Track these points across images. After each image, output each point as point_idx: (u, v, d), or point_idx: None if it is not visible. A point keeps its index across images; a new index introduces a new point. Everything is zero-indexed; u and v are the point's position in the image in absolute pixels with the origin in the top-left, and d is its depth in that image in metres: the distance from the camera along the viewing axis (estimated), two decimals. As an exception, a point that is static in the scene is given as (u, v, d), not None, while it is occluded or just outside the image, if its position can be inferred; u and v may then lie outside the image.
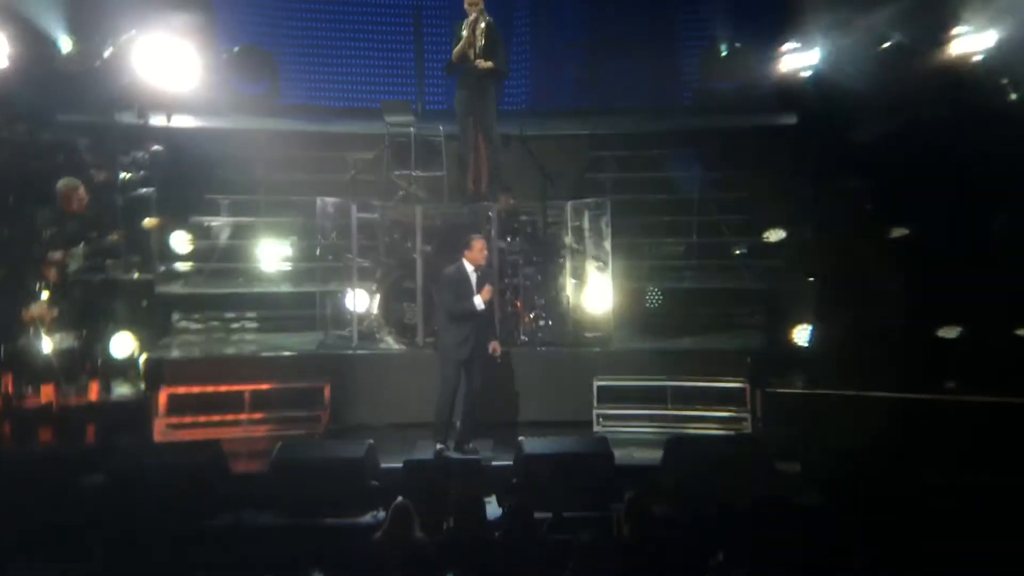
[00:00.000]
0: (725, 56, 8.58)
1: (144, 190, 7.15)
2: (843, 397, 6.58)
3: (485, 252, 6.78)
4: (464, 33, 8.03)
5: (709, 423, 7.21)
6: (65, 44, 6.65)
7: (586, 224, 8.25)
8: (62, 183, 6.53)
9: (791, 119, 8.21)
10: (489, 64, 8.04)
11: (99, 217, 6.69)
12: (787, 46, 7.83)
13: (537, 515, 5.27)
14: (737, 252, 8.35)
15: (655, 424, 7.27)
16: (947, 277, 6.39)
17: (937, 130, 6.48)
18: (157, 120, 7.28)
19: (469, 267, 6.70)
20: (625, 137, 9.04)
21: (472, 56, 8.08)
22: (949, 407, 6.23)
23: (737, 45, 8.47)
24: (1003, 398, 6.09)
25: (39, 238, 6.37)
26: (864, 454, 6.04)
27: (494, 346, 6.81)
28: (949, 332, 6.36)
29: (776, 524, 4.76)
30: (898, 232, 6.72)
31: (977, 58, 6.44)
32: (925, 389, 6.31)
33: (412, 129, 8.58)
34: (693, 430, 7.12)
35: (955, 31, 6.54)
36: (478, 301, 6.62)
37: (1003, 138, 6.17)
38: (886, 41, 6.87)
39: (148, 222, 6.93)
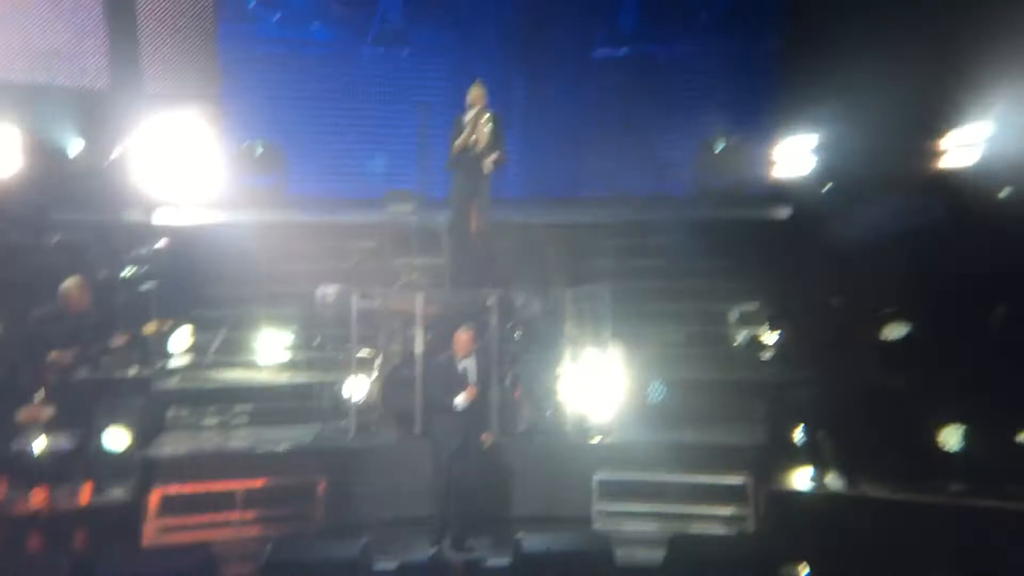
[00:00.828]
0: (720, 151, 8.74)
1: (146, 286, 7.23)
2: (847, 498, 6.44)
3: (471, 345, 6.81)
4: (467, 127, 8.19)
5: (711, 521, 7.09)
6: (74, 146, 6.82)
7: (586, 312, 8.28)
8: (65, 284, 6.60)
9: (785, 214, 8.26)
10: (497, 158, 8.16)
11: (100, 316, 6.74)
12: (782, 142, 7.95)
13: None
14: (736, 344, 8.31)
15: (656, 521, 7.15)
16: (947, 377, 6.32)
17: (933, 229, 6.51)
18: (162, 217, 7.41)
19: (459, 357, 6.72)
20: (623, 226, 9.12)
21: (475, 149, 8.23)
22: (955, 510, 6.07)
23: (732, 140, 8.63)
24: (1008, 502, 5.94)
25: (39, 338, 6.42)
26: (870, 556, 5.89)
27: (486, 437, 6.78)
28: (952, 437, 6.26)
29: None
30: (896, 331, 6.68)
31: (972, 159, 6.51)
32: (930, 491, 6.17)
33: (414, 217, 8.70)
34: (695, 528, 6.99)
35: (950, 134, 6.65)
36: (460, 400, 6.65)
37: (1000, 238, 6.18)
38: (881, 140, 6.98)
39: (148, 328, 6.97)
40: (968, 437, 6.29)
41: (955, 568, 5.80)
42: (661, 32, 9.97)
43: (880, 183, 6.79)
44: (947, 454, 6.36)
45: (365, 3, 10.06)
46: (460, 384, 6.72)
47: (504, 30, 9.93)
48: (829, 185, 7.15)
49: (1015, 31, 6.04)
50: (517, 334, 8.19)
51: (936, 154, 6.63)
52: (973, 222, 6.43)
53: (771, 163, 8.04)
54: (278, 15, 10.01)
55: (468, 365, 6.91)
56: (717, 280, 8.62)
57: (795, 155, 7.90)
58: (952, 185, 6.56)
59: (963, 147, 6.56)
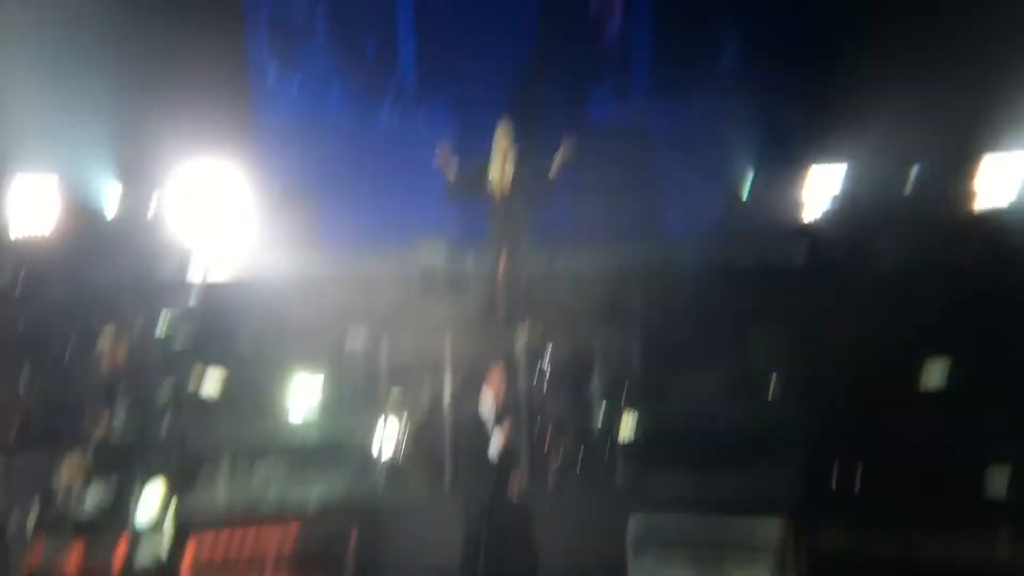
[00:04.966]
0: (749, 191, 8.72)
1: (181, 343, 7.30)
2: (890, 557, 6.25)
3: (503, 383, 6.76)
4: (493, 175, 8.21)
5: (748, 568, 6.92)
6: (111, 201, 6.95)
7: (615, 355, 8.20)
8: (100, 342, 6.68)
9: (810, 250, 8.18)
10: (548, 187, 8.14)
11: (136, 373, 6.81)
12: (809, 176, 7.90)
13: None
14: (771, 390, 8.18)
15: (692, 568, 7.00)
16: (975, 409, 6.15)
17: (965, 272, 6.40)
18: (196, 271, 7.52)
19: (488, 400, 6.66)
20: (651, 269, 9.06)
21: (502, 193, 8.24)
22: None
23: (760, 179, 8.61)
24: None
25: (78, 395, 6.49)
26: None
27: (516, 480, 6.67)
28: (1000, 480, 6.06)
29: None
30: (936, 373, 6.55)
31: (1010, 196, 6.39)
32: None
33: (443, 263, 8.74)
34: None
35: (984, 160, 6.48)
36: (494, 443, 6.54)
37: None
38: (911, 181, 6.90)
39: (192, 382, 7.05)
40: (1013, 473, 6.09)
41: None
42: (674, 87, 10.16)
43: (910, 218, 6.69)
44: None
45: (380, 75, 10.49)
46: (491, 429, 6.62)
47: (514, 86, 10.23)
48: (856, 219, 7.10)
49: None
50: (546, 379, 8.15)
51: (970, 190, 6.51)
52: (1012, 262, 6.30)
53: (801, 200, 7.99)
54: (295, 88, 10.50)
55: (498, 408, 6.83)
56: (749, 324, 8.50)
57: (822, 188, 7.84)
58: (988, 222, 6.42)
59: (999, 182, 6.43)
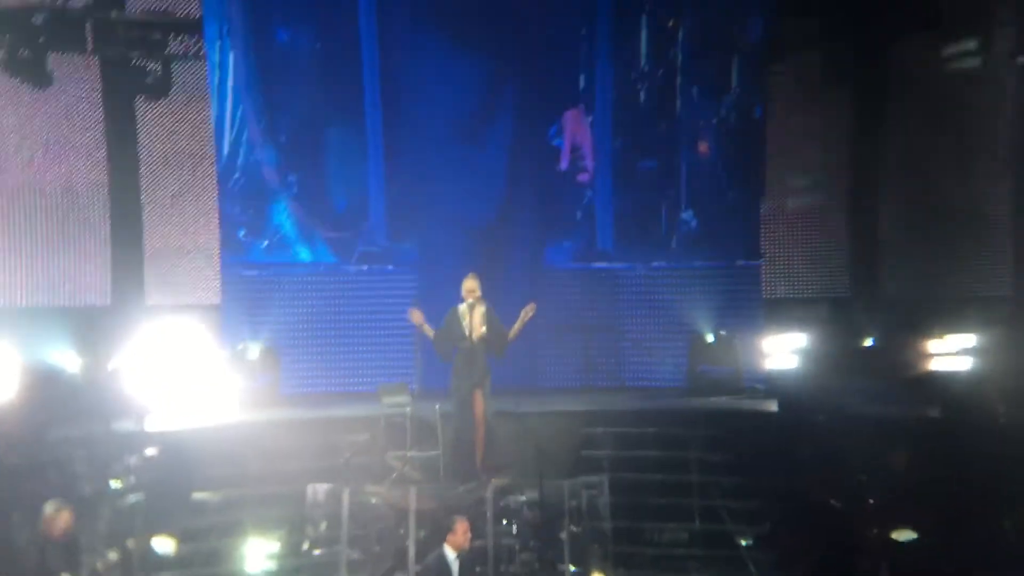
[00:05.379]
0: (712, 343, 8.99)
1: (132, 498, 7.05)
2: None
3: (469, 535, 6.57)
4: (464, 319, 8.34)
5: None
6: (71, 363, 6.92)
7: (584, 505, 8.03)
8: (48, 509, 6.40)
9: (774, 407, 8.32)
10: (499, 351, 8.27)
11: (86, 535, 6.49)
12: (771, 337, 8.20)
13: None
14: (743, 543, 8.01)
15: None
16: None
17: (926, 430, 6.54)
18: (154, 424, 7.38)
19: (451, 554, 6.49)
20: (619, 414, 9.08)
21: (473, 338, 8.32)
22: None
23: (722, 333, 8.90)
24: None
25: (30, 568, 6.13)
26: None
27: None
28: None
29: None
30: (904, 536, 6.51)
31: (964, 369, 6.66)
32: None
33: (408, 409, 8.68)
34: None
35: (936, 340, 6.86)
36: None
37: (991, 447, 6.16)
38: (865, 341, 7.20)
39: (130, 543, 6.73)
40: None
41: None
42: (635, 252, 10.70)
43: (869, 382, 6.92)
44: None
45: (350, 228, 10.86)
46: None
47: (480, 244, 10.65)
48: (814, 382, 7.33)
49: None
50: (514, 529, 7.93)
51: (927, 357, 6.82)
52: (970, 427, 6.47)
53: (763, 354, 8.24)
54: (265, 243, 10.76)
55: (462, 561, 6.61)
56: (716, 474, 8.43)
57: (783, 351, 8.12)
58: (946, 387, 6.65)
59: (955, 353, 6.75)
